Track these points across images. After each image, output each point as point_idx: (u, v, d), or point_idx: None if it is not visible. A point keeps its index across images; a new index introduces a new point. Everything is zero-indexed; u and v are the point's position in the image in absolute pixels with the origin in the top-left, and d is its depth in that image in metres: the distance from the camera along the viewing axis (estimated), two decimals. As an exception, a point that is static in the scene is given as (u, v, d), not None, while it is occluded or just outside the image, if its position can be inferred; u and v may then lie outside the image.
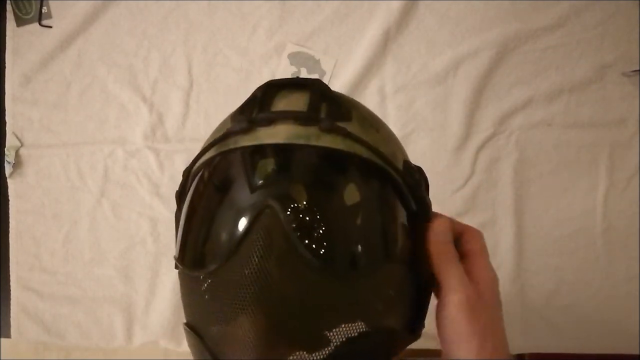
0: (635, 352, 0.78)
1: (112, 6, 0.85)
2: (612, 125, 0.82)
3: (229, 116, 0.43)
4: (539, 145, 0.82)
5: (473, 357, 0.38)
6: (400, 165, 0.40)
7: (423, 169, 0.44)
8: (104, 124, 0.85)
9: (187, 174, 0.43)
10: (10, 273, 0.86)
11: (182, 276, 0.43)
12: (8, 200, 0.86)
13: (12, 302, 0.86)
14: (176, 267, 0.46)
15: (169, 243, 0.85)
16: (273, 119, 0.38)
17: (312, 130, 0.38)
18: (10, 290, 0.86)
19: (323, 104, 0.39)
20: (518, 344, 0.81)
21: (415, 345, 0.43)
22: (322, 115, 0.38)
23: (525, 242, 0.81)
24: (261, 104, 0.39)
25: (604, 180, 0.82)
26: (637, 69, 0.81)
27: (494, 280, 0.42)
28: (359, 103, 0.43)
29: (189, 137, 0.85)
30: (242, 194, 0.38)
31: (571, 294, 0.81)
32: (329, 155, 0.38)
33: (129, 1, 0.85)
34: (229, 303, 0.36)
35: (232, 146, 0.39)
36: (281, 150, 0.38)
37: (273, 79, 0.42)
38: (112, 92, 0.85)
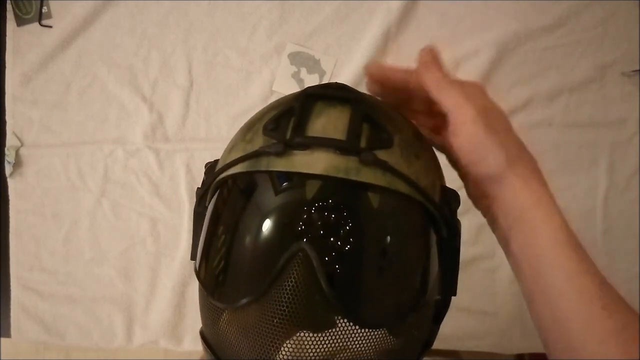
0: (635, 352, 0.78)
1: (112, 6, 0.85)
2: (612, 125, 0.82)
3: (258, 121, 0.40)
4: (539, 145, 0.82)
5: (503, 168, 0.38)
6: (437, 196, 0.39)
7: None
8: (104, 123, 0.85)
9: (213, 178, 0.41)
10: (10, 273, 0.86)
11: (200, 288, 0.41)
12: (8, 200, 0.86)
13: (12, 302, 0.86)
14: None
15: (168, 243, 0.85)
16: (310, 144, 0.36)
17: (351, 162, 0.35)
18: (10, 290, 0.86)
19: (365, 125, 0.37)
20: (518, 344, 0.81)
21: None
22: (363, 143, 0.36)
23: (525, 242, 0.81)
24: (298, 122, 0.37)
25: (604, 180, 0.82)
26: (637, 69, 0.81)
27: (478, 84, 0.41)
28: (402, 120, 0.41)
29: (189, 136, 0.85)
30: (274, 229, 0.36)
31: (571, 294, 0.81)
32: (367, 193, 0.36)
33: (128, 1, 0.85)
34: (245, 339, 0.37)
35: (264, 168, 0.37)
36: (318, 184, 0.36)
37: (311, 87, 0.40)
38: (112, 92, 0.85)
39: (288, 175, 0.36)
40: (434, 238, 0.39)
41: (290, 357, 0.35)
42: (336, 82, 0.41)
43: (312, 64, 0.84)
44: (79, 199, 0.86)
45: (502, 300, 0.81)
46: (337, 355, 0.36)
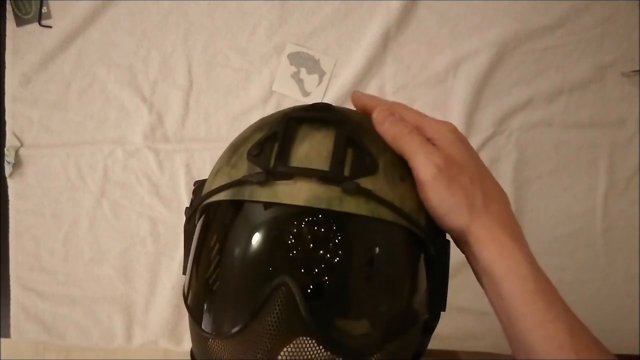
0: (635, 352, 0.78)
1: (111, 6, 0.85)
2: (612, 125, 0.82)
3: (243, 144, 0.40)
4: (539, 145, 0.82)
5: (467, 222, 0.38)
6: (423, 217, 0.39)
7: None
8: (103, 124, 0.85)
9: (199, 202, 0.41)
10: (10, 273, 0.86)
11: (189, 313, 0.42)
12: (8, 200, 0.86)
13: (12, 302, 0.86)
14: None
15: (168, 243, 0.85)
16: (293, 174, 0.36)
17: (334, 192, 0.35)
18: (10, 290, 0.86)
19: (348, 151, 0.37)
20: (518, 344, 0.81)
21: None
22: (346, 170, 0.36)
23: (525, 242, 0.81)
24: (281, 148, 0.37)
25: (604, 180, 0.82)
26: (637, 69, 0.81)
27: (449, 131, 0.40)
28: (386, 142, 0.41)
29: (188, 137, 0.85)
30: (256, 260, 0.36)
31: (571, 294, 0.80)
32: (350, 222, 0.36)
33: (128, 1, 0.85)
34: None
35: (246, 197, 0.37)
36: (301, 215, 0.35)
37: (294, 109, 0.40)
38: (112, 92, 0.85)
39: (271, 206, 0.36)
40: (421, 259, 0.39)
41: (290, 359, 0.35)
42: (321, 103, 0.41)
43: (312, 64, 0.84)
44: (79, 199, 0.86)
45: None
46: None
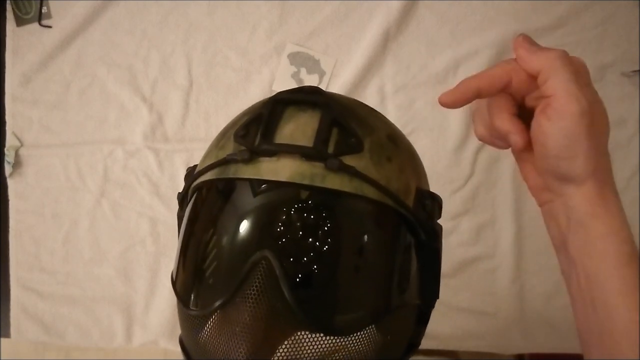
0: (635, 352, 0.78)
1: (111, 6, 0.85)
2: (612, 125, 0.81)
3: (231, 128, 0.40)
4: (539, 145, 0.82)
5: (590, 171, 0.35)
6: (411, 199, 0.38)
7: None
8: (103, 124, 0.85)
9: (188, 185, 0.42)
10: (10, 273, 0.86)
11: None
12: (8, 200, 0.86)
13: (12, 302, 0.86)
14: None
15: (168, 243, 0.85)
16: (276, 151, 0.36)
17: (317, 168, 0.35)
18: (10, 290, 0.86)
19: (334, 130, 0.37)
20: (518, 344, 0.81)
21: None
22: (331, 148, 0.36)
23: (525, 242, 0.81)
24: (266, 128, 0.37)
25: (604, 180, 0.82)
26: (637, 69, 0.81)
27: (582, 63, 0.38)
28: (377, 122, 0.40)
29: (188, 137, 0.85)
30: (240, 236, 0.36)
31: (571, 294, 0.81)
32: (333, 199, 0.36)
33: (128, 1, 0.85)
34: (214, 344, 0.37)
35: (231, 175, 0.37)
36: (283, 191, 0.36)
37: (281, 92, 0.40)
38: (112, 92, 0.85)
39: (255, 182, 0.36)
40: (409, 241, 0.38)
41: (286, 357, 0.35)
42: (309, 86, 0.41)
43: (312, 64, 0.84)
44: (79, 199, 0.86)
45: (502, 300, 0.81)
46: (332, 355, 0.36)
